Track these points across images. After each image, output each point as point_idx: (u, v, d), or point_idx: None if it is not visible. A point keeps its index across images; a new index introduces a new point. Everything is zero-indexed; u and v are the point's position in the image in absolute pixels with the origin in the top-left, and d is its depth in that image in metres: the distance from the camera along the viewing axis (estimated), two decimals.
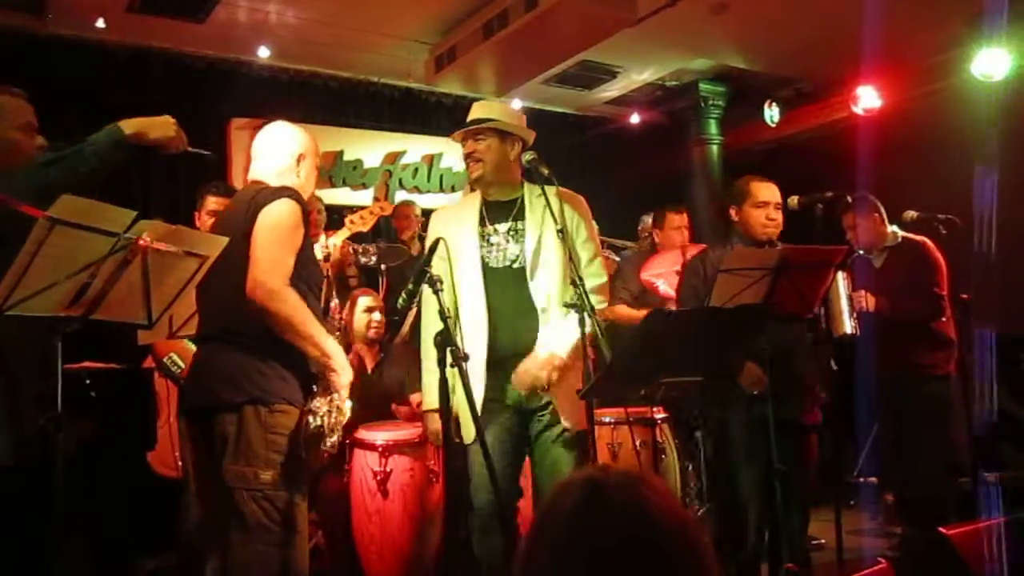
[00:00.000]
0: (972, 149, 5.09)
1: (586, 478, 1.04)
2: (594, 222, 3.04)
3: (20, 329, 2.18)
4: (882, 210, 4.28)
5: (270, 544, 2.40)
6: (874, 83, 5.98)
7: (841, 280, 3.55)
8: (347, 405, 2.55)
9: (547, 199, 2.76)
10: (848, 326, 3.60)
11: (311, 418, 2.43)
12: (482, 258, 2.86)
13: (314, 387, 2.51)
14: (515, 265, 2.86)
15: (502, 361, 2.81)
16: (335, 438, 2.49)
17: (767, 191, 3.43)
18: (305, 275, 2.56)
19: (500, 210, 2.94)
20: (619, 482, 1.02)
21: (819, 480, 5.19)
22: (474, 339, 2.78)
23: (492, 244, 2.89)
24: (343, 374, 2.51)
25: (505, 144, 2.91)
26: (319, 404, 2.47)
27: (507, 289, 2.84)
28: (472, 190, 3.09)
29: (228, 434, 2.42)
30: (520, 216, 2.91)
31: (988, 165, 4.89)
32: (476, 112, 2.99)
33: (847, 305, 3.60)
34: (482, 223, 2.91)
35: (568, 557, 0.99)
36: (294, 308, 2.43)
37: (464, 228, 2.89)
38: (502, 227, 2.91)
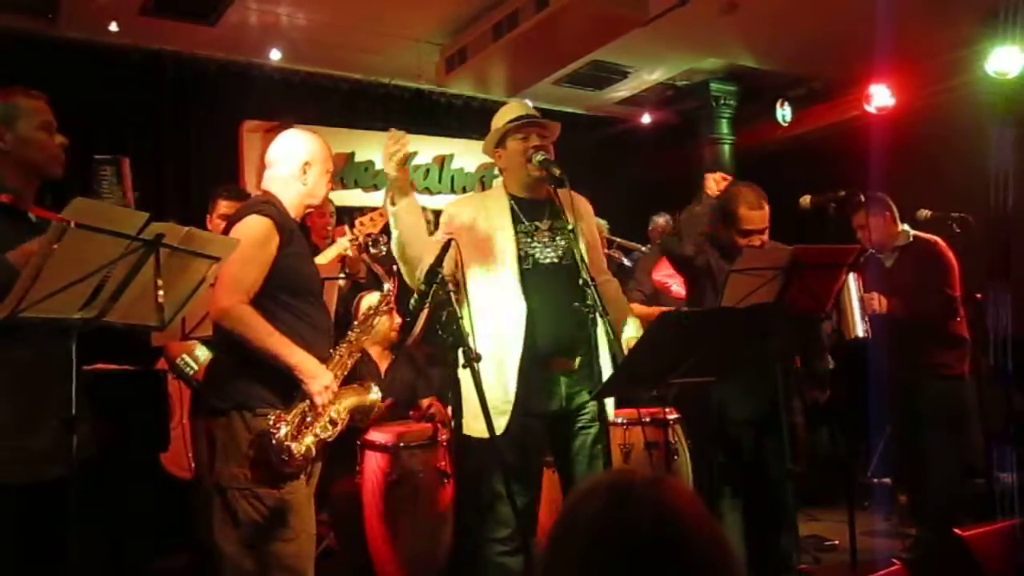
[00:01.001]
0: (986, 148, 5.05)
1: (612, 480, 1.06)
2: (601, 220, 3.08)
3: (36, 332, 2.19)
4: (894, 209, 4.24)
5: (263, 540, 2.45)
6: (887, 82, 5.94)
7: (852, 283, 3.53)
8: (329, 410, 2.53)
9: (572, 200, 2.81)
10: (860, 329, 3.59)
11: (274, 428, 2.44)
12: (525, 255, 2.83)
13: (294, 392, 2.51)
14: (564, 261, 2.85)
15: (544, 360, 2.79)
16: (305, 443, 2.47)
17: (757, 219, 3.29)
18: (289, 285, 2.56)
19: (533, 208, 2.92)
20: (645, 483, 1.03)
21: (830, 480, 5.21)
22: (511, 338, 2.74)
23: (538, 241, 2.87)
24: (313, 382, 2.48)
25: None
26: (285, 414, 2.46)
27: (554, 286, 2.82)
28: (482, 188, 3.10)
29: (218, 438, 2.51)
30: (557, 215, 2.88)
31: (1002, 163, 4.86)
32: (527, 110, 2.99)
33: (859, 308, 3.59)
34: (517, 220, 2.89)
35: (597, 557, 1.00)
36: (246, 326, 2.43)
37: (498, 224, 2.87)
38: (543, 224, 2.90)
